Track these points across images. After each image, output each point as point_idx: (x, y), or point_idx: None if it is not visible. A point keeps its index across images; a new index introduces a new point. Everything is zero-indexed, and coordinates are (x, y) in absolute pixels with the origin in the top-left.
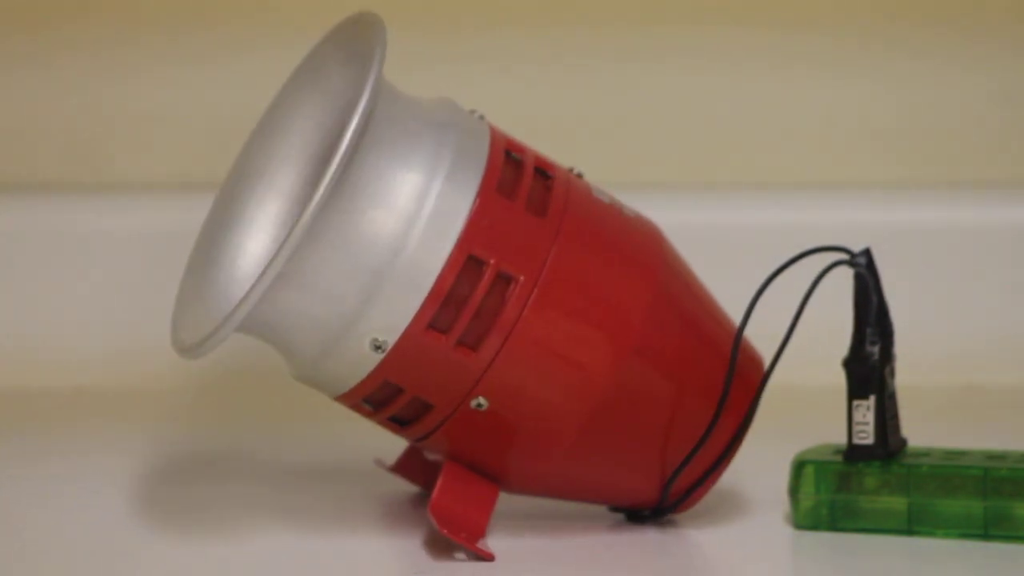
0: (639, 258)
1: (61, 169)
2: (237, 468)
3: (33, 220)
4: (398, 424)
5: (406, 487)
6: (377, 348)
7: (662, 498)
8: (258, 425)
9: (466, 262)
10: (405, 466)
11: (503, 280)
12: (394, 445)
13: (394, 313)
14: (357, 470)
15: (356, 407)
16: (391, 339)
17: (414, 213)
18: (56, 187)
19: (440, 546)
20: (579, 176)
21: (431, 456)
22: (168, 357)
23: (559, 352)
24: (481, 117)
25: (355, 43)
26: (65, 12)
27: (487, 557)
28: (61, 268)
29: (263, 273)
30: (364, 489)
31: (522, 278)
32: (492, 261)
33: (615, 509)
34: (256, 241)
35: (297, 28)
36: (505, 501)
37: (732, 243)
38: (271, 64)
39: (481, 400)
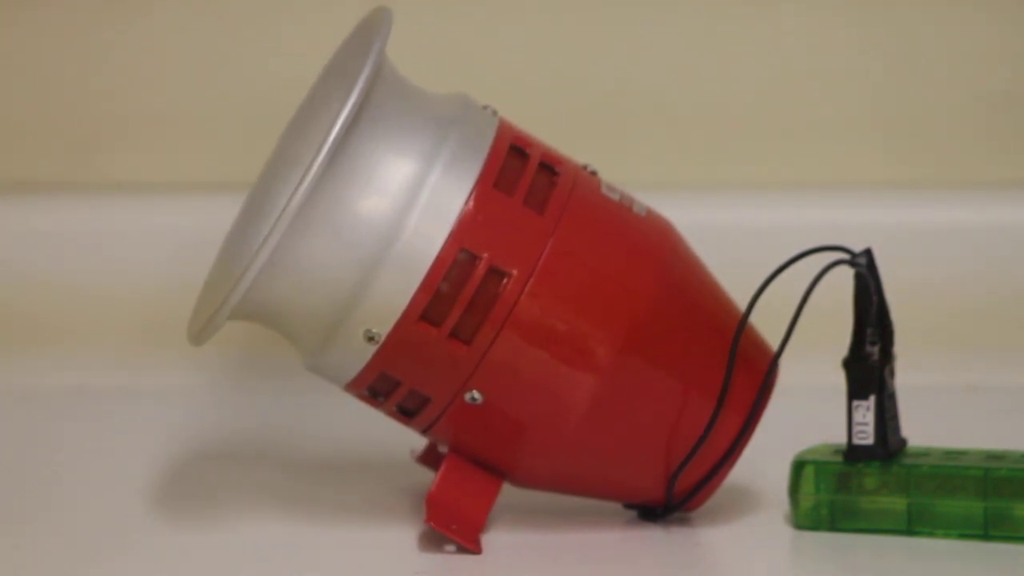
0: (643, 255)
1: (68, 169)
2: (249, 463)
3: (36, 219)
4: (405, 415)
5: (427, 480)
6: (371, 339)
7: (669, 494)
8: (271, 419)
9: (458, 255)
10: (430, 457)
11: (496, 275)
12: (410, 436)
13: (387, 304)
14: (373, 463)
15: (362, 397)
16: (383, 330)
17: (408, 203)
18: (64, 186)
19: (433, 538)
20: (593, 173)
21: (441, 448)
22: (172, 354)
23: (551, 348)
24: (494, 112)
25: (370, 37)
26: (74, 7)
27: (473, 550)
28: (62, 268)
29: (253, 258)
30: (379, 483)
31: (515, 273)
32: (485, 255)
33: (629, 506)
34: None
35: (322, 26)
36: (517, 496)
37: (733, 243)
38: (294, 65)
39: (475, 394)
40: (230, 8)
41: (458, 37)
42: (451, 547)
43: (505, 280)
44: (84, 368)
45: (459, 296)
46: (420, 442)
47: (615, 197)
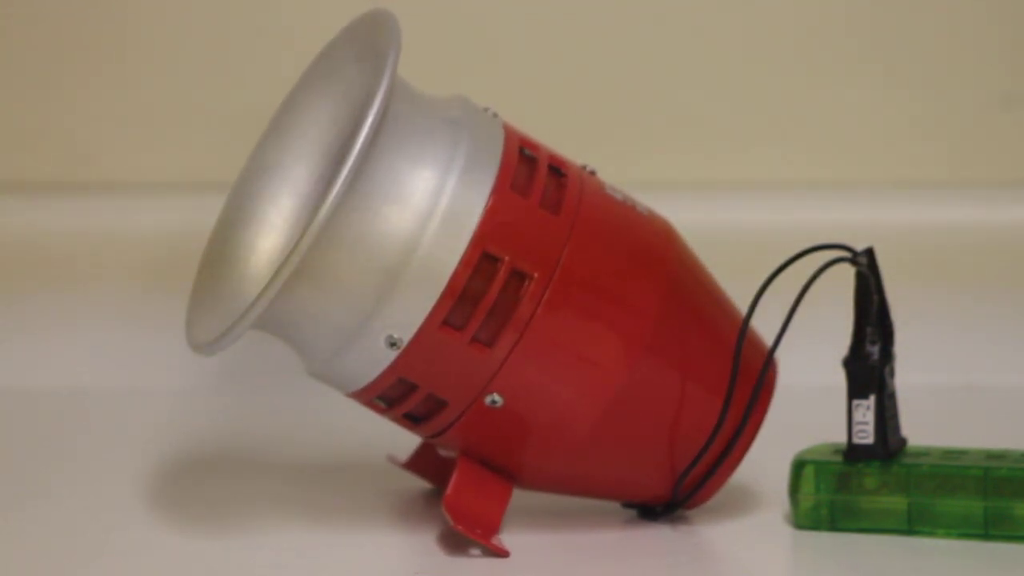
0: (652, 255)
1: (61, 169)
2: (249, 465)
3: (33, 220)
4: (412, 421)
5: (418, 484)
6: (392, 345)
7: (676, 493)
8: (269, 422)
9: (480, 259)
10: (418, 463)
11: (517, 277)
12: (407, 441)
13: (409, 310)
14: (370, 466)
15: (370, 404)
16: (406, 336)
17: (429, 211)
18: (56, 187)
19: (454, 542)
20: (592, 173)
21: (444, 453)
22: (171, 356)
23: (573, 349)
24: (495, 115)
25: (369, 41)
26: (68, 10)
27: (501, 553)
28: (62, 268)
29: (278, 271)
30: (377, 486)
31: (536, 275)
32: (506, 258)
33: (628, 505)
34: (269, 239)
35: (306, 26)
36: (516, 497)
37: (733, 243)
38: (279, 63)
39: (496, 397)
40: (228, 7)
41: (446, 35)
42: (476, 551)
43: (527, 282)
44: (82, 369)
45: (482, 300)
46: (396, 448)
47: (618, 197)
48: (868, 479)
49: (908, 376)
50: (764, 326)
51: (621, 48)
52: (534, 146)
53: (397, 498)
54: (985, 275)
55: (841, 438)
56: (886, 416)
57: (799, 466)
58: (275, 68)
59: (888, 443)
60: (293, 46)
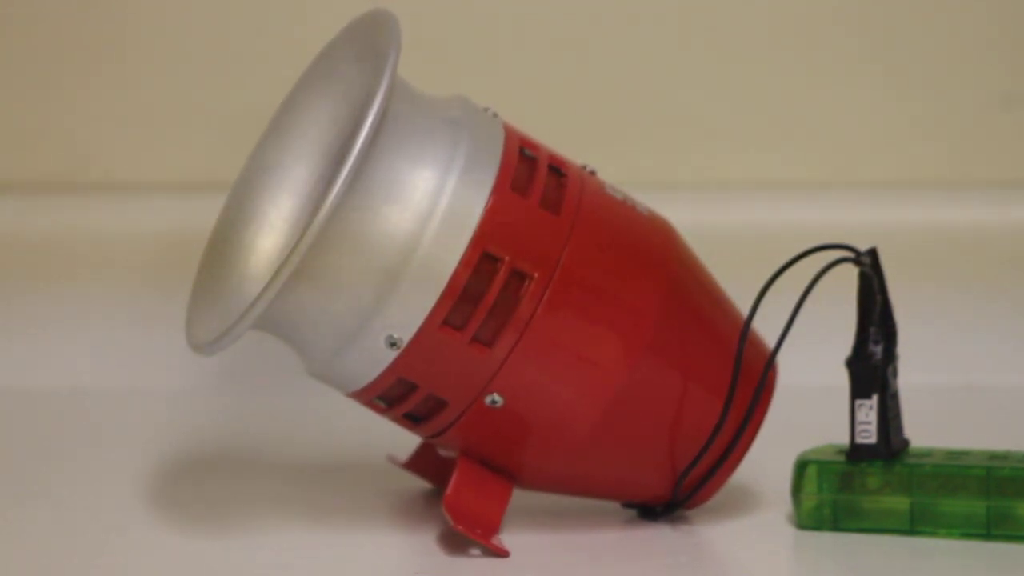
0: (652, 255)
1: (61, 169)
2: (249, 465)
3: (33, 220)
4: (412, 421)
5: (418, 484)
6: (392, 345)
7: (674, 493)
8: (269, 421)
9: (480, 259)
10: (418, 463)
11: (517, 277)
12: (407, 441)
13: (409, 310)
14: (370, 466)
15: (370, 404)
16: (406, 336)
17: (429, 211)
18: (56, 187)
19: (454, 542)
20: (592, 173)
21: (444, 453)
22: (171, 356)
23: (573, 349)
24: (495, 115)
25: (369, 40)
26: (68, 10)
27: (501, 553)
28: (62, 268)
29: (278, 271)
30: (377, 486)
31: (536, 275)
32: (507, 258)
33: (628, 505)
34: (269, 239)
35: (306, 26)
36: (516, 497)
37: (735, 243)
38: (279, 63)
39: (496, 397)
40: (228, 7)
41: (446, 35)
42: (476, 551)
43: (527, 282)
44: (82, 369)
45: (482, 300)
46: (396, 448)
47: (619, 197)
48: (871, 479)
49: (908, 376)
50: (765, 325)
51: (621, 48)
52: (534, 146)
53: (397, 498)
54: (985, 275)
55: (843, 438)
56: (889, 416)
57: (802, 466)
58: (275, 68)
59: (891, 443)
60: (293, 46)
